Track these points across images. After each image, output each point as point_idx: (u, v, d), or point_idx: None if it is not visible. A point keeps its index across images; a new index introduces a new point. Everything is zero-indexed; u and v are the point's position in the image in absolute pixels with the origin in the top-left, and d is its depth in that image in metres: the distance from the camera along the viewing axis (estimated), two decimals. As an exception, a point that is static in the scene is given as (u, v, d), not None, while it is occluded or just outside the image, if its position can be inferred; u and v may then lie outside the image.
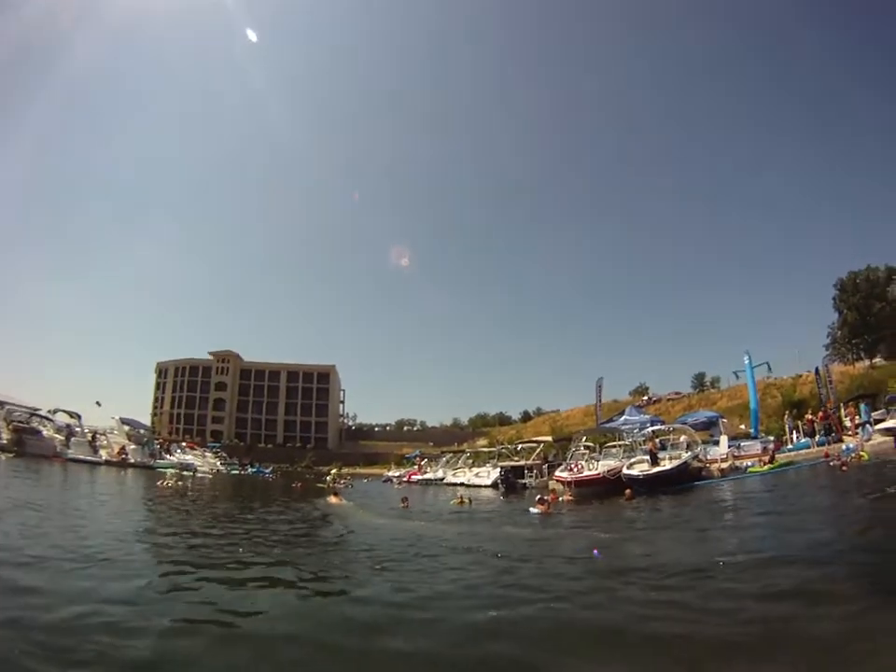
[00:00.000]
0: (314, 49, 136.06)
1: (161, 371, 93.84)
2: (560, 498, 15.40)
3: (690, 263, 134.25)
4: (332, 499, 17.13)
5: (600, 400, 33.58)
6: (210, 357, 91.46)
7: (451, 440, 65.35)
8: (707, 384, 63.98)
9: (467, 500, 16.30)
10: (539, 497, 13.64)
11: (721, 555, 6.21)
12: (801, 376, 38.27)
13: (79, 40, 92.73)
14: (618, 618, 4.31)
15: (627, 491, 14.48)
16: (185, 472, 28.39)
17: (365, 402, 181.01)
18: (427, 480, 31.05)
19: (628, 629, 4.05)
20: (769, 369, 36.43)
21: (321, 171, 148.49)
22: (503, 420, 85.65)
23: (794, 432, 22.94)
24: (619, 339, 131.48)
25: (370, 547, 8.10)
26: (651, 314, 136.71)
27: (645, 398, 58.84)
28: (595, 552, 6.87)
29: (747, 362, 29.40)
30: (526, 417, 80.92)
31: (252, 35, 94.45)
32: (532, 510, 12.82)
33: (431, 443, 65.60)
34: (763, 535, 8.16)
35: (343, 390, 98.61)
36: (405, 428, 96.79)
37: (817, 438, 19.98)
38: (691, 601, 4.58)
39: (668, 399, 56.09)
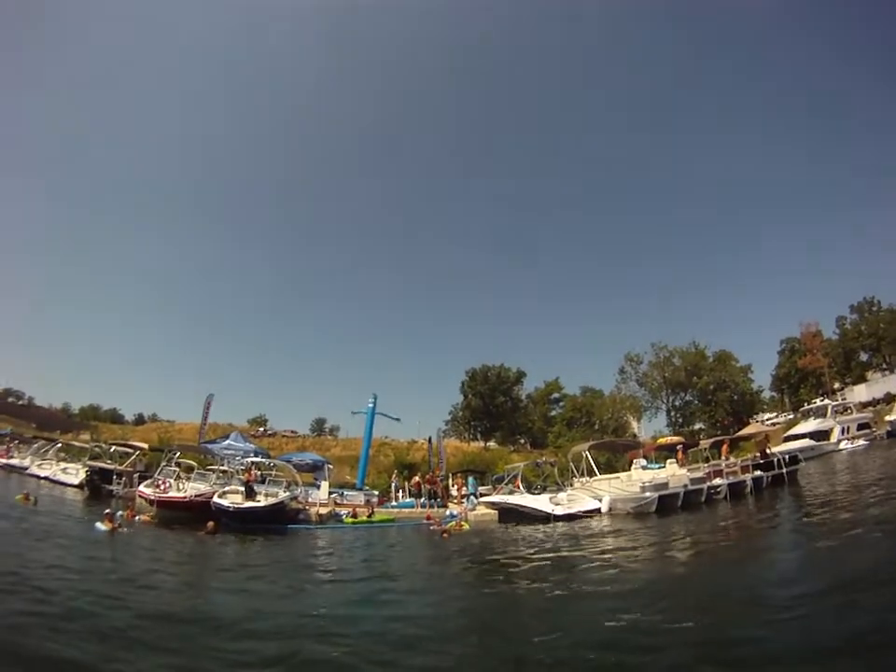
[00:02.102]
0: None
1: None
2: (137, 518, 13.98)
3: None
4: None
5: (206, 418, 29.80)
6: None
7: (58, 426, 51.33)
8: (326, 430, 67.86)
9: (32, 499, 15.04)
10: (107, 511, 12.32)
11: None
12: (416, 442, 41.98)
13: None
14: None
15: (210, 523, 13.28)
16: None
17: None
18: (11, 466, 27.55)
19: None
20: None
21: None
22: (115, 418, 73.34)
23: (400, 491, 23.60)
24: (255, 369, 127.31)
25: None
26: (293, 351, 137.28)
27: (261, 428, 58.04)
28: None
29: (370, 404, 28.74)
30: (140, 421, 72.25)
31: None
32: (98, 525, 11.66)
33: (35, 425, 51.13)
34: (345, 601, 7.09)
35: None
36: (10, 399, 70.35)
37: (422, 500, 20.72)
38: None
39: (283, 436, 55.86)
